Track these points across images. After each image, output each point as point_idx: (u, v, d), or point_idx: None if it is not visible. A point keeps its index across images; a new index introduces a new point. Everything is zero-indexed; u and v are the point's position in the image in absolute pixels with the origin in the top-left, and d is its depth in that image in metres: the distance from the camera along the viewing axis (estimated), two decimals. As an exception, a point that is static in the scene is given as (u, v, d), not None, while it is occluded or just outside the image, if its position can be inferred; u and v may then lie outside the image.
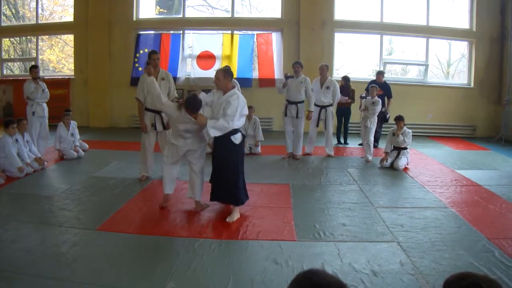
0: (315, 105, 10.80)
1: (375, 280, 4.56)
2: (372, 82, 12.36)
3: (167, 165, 6.87)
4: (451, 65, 16.88)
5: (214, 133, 6.22)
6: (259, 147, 11.11)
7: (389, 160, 9.86)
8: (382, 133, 11.04)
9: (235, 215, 6.46)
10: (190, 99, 6.35)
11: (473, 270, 4.63)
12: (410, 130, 10.03)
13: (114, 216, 6.56)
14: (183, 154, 6.74)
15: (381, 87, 11.50)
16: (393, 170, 9.60)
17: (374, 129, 10.83)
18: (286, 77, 10.45)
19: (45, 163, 9.62)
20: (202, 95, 6.69)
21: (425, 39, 15.28)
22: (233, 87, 6.57)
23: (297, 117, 10.44)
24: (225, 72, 6.50)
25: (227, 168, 6.47)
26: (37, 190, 7.93)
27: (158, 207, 6.88)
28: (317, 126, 11.11)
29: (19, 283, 4.45)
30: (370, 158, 10.54)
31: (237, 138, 6.40)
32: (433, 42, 15.47)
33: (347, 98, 12.49)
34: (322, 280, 1.68)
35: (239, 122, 6.43)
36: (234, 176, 6.50)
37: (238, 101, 6.33)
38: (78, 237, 5.70)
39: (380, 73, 12.82)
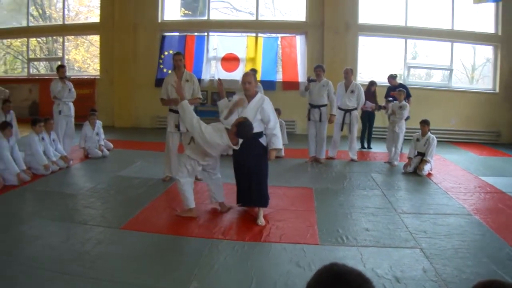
0: (340, 108, 10.83)
1: (398, 286, 4.55)
2: (390, 88, 12.34)
3: (186, 179, 6.58)
4: (476, 69, 16.74)
5: (280, 144, 6.58)
6: (283, 150, 11.10)
7: (413, 166, 9.80)
8: (406, 138, 11.01)
9: (262, 217, 6.47)
10: (244, 128, 6.06)
11: (496, 278, 4.62)
12: (434, 137, 9.94)
13: (138, 215, 6.64)
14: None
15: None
16: (416, 176, 9.54)
17: (403, 135, 10.72)
18: (309, 80, 10.47)
19: (71, 161, 9.75)
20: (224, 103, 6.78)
21: (449, 43, 15.19)
22: (257, 92, 6.62)
23: (320, 120, 10.43)
24: (254, 76, 6.53)
25: (258, 171, 6.51)
26: (62, 188, 8.05)
27: (180, 210, 6.79)
28: (341, 130, 11.11)
29: (43, 279, 4.52)
30: (396, 163, 10.51)
31: (264, 140, 6.49)
32: (457, 46, 15.37)
33: (374, 105, 12.46)
34: (342, 269, 1.74)
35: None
36: (264, 178, 6.58)
37: (270, 103, 6.47)
38: (102, 235, 5.78)
39: (391, 77, 12.77)
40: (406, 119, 10.86)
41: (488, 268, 5.00)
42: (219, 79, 7.23)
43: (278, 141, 6.49)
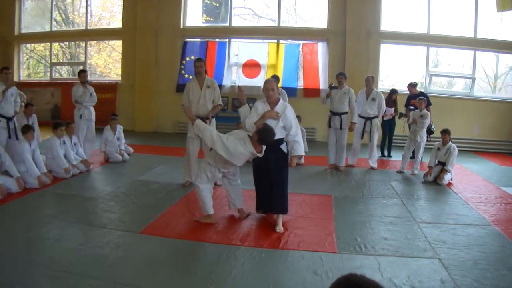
0: (361, 116, 10.79)
1: (416, 297, 4.53)
2: (410, 96, 12.28)
3: (206, 185, 6.56)
4: (499, 78, 16.56)
5: (303, 151, 6.55)
6: (303, 157, 11.08)
7: (433, 175, 9.72)
8: (426, 146, 10.94)
9: (281, 224, 6.45)
10: (266, 133, 5.99)
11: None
12: (455, 146, 9.83)
13: (157, 220, 6.66)
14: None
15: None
16: (436, 185, 9.45)
17: (424, 144, 10.63)
18: (330, 87, 10.45)
19: (91, 165, 9.84)
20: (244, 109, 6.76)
21: (472, 51, 15.06)
22: (279, 98, 6.61)
23: (340, 128, 10.42)
24: (276, 82, 6.53)
25: (279, 177, 6.48)
26: (82, 191, 8.13)
27: (199, 216, 6.78)
28: (362, 137, 11.06)
29: (62, 281, 4.56)
30: (416, 172, 10.41)
31: (285, 147, 6.48)
32: (480, 55, 15.24)
33: (392, 109, 12.40)
34: (360, 280, 1.76)
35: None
36: (285, 184, 6.54)
37: (292, 110, 6.46)
38: (121, 239, 5.82)
39: (411, 85, 12.68)
40: (430, 133, 10.86)
41: (508, 280, 4.95)
42: (239, 86, 7.22)
43: (300, 148, 6.51)
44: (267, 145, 6.16)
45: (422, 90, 13.26)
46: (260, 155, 6.18)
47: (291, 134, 6.42)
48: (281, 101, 6.56)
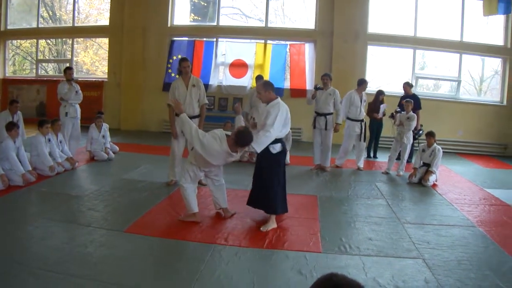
0: (356, 120, 10.86)
1: (399, 296, 4.55)
2: (404, 96, 12.28)
3: (190, 185, 6.60)
4: (484, 81, 16.67)
5: (259, 148, 6.24)
6: (288, 157, 11.08)
7: (418, 176, 9.78)
8: (414, 148, 11.01)
9: (271, 225, 6.44)
10: (243, 136, 6.05)
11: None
12: (440, 148, 9.89)
13: (142, 219, 6.64)
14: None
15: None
16: (421, 186, 9.50)
17: (410, 145, 10.70)
18: (315, 88, 10.46)
19: (76, 163, 9.79)
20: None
21: (458, 54, 15.16)
22: (276, 97, 6.58)
23: (325, 129, 10.41)
24: (264, 85, 6.51)
25: (264, 176, 6.50)
26: (67, 190, 8.09)
27: (184, 214, 6.77)
28: (363, 140, 11.11)
29: (46, 280, 4.53)
30: (401, 173, 10.47)
31: (275, 148, 6.39)
32: (466, 58, 15.33)
33: (384, 108, 12.41)
34: (341, 280, 1.76)
35: (282, 131, 6.45)
36: (270, 184, 6.49)
37: (279, 110, 6.33)
38: (105, 238, 5.80)
39: (407, 84, 12.71)
40: (419, 136, 10.94)
41: (490, 281, 4.98)
42: (238, 104, 7.33)
43: (257, 141, 6.23)
44: (244, 147, 6.21)
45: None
46: (235, 155, 6.25)
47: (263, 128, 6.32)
48: (276, 100, 6.51)
